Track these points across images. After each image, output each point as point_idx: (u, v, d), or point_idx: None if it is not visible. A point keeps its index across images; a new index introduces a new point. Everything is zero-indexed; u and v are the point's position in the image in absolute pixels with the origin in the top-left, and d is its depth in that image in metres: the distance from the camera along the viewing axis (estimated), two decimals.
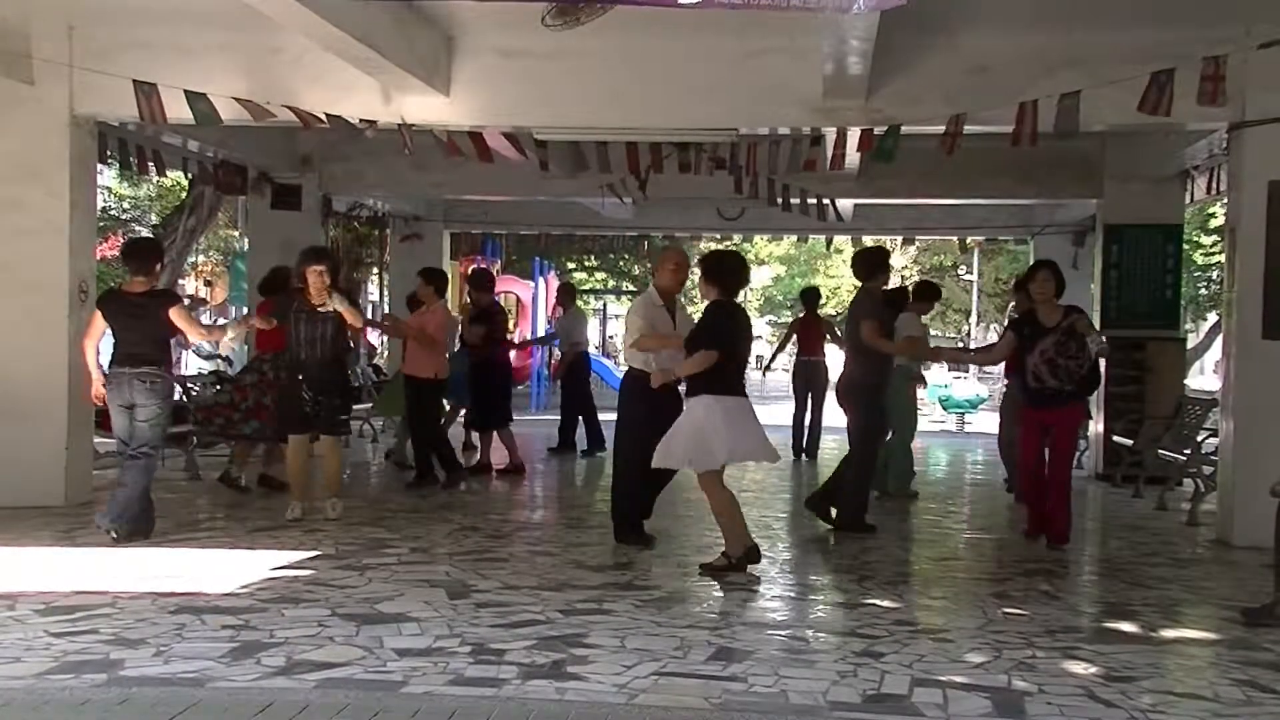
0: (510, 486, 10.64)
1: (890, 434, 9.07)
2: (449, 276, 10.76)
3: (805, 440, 13.23)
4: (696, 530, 7.87)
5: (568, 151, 11.03)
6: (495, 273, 20.41)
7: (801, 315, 13.82)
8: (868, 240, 15.43)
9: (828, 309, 28.68)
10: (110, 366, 7.34)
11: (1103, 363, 7.71)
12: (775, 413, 13.94)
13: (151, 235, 9.54)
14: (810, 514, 8.34)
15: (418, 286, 10.57)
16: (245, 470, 9.55)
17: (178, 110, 8.09)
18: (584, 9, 7.51)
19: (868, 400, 8.20)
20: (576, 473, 11.93)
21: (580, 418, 13.03)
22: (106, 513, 7.13)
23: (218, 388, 10.49)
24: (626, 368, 7.53)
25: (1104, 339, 7.81)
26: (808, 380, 13.28)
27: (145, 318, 7.24)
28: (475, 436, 11.94)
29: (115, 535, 7.07)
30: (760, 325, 52.28)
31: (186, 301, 8.23)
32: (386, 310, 17.10)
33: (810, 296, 14.04)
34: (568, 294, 13.91)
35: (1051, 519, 7.71)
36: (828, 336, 13.36)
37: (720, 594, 6.26)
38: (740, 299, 7.21)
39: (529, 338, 20.29)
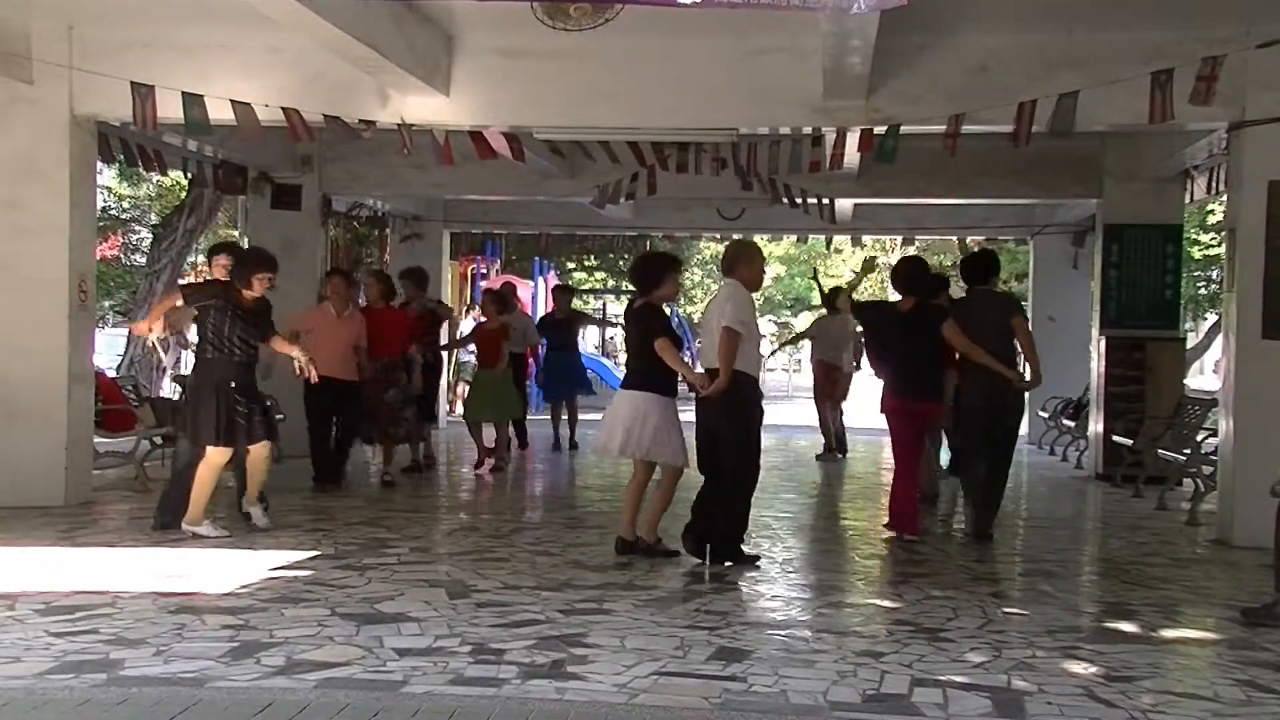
0: (507, 486, 10.65)
1: None
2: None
3: (837, 440, 13.18)
4: None
5: (573, 148, 11.01)
6: (495, 271, 20.43)
7: (825, 315, 13.35)
8: (868, 240, 15.35)
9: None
10: None
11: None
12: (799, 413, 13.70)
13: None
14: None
15: (329, 288, 9.84)
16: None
17: (175, 112, 8.09)
18: (577, 9, 7.51)
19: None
20: (567, 471, 11.93)
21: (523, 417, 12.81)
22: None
23: None
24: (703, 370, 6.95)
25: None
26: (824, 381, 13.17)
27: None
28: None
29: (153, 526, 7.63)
30: (761, 325, 52.36)
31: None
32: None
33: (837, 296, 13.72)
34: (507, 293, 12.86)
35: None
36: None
37: (720, 594, 6.26)
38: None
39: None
